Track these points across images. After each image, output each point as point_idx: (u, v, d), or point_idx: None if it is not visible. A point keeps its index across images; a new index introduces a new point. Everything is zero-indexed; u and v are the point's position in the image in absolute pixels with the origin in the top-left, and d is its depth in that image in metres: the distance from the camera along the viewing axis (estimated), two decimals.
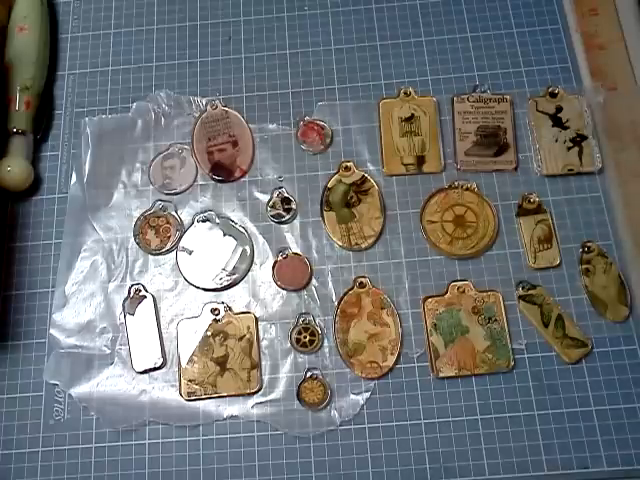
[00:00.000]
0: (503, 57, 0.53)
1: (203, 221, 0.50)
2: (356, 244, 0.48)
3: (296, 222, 0.49)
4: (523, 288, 0.46)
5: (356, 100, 0.53)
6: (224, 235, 0.49)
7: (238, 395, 0.45)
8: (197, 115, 0.53)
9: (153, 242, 0.49)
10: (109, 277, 0.49)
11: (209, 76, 0.54)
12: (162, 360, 0.46)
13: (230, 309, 0.47)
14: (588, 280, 0.46)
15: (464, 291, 0.47)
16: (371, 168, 0.50)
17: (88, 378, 0.46)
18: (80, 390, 0.46)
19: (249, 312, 0.47)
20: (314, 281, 0.48)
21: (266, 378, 0.45)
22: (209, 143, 0.52)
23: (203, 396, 0.45)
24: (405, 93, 0.52)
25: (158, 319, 0.47)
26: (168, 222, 0.50)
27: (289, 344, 0.46)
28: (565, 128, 0.50)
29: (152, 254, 0.49)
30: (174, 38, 0.56)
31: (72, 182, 0.51)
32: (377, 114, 0.52)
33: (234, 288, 0.48)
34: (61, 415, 0.46)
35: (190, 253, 0.49)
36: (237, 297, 0.48)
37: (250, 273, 0.48)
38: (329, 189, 0.50)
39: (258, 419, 0.45)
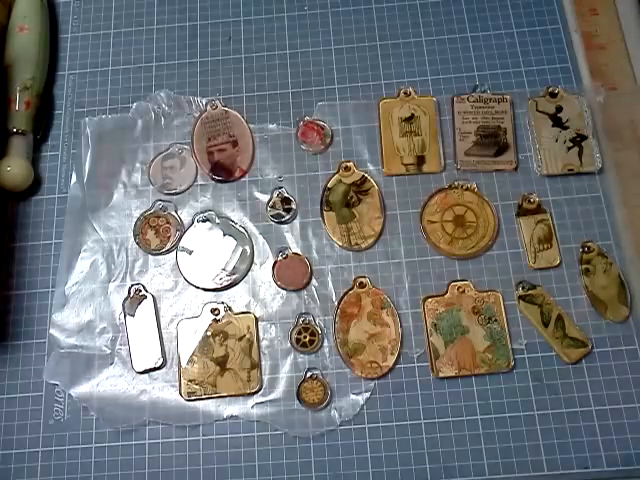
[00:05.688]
0: (503, 57, 0.53)
1: (203, 221, 0.50)
2: (356, 244, 0.48)
3: (296, 222, 0.49)
4: (523, 288, 0.46)
5: (356, 100, 0.53)
6: (224, 235, 0.49)
7: (238, 395, 0.45)
8: (197, 115, 0.53)
9: (153, 242, 0.49)
10: (109, 277, 0.49)
11: (209, 76, 0.54)
12: (162, 360, 0.46)
13: (230, 309, 0.47)
14: (588, 280, 0.46)
15: (464, 291, 0.47)
16: (371, 168, 0.50)
17: (88, 378, 0.46)
18: (80, 390, 0.46)
19: (249, 312, 0.47)
20: (314, 281, 0.48)
21: (266, 378, 0.45)
22: (209, 143, 0.52)
23: (203, 396, 0.45)
24: (405, 93, 0.52)
25: (158, 319, 0.47)
26: (168, 222, 0.50)
27: (289, 344, 0.46)
28: (565, 128, 0.50)
29: (152, 254, 0.49)
30: (174, 38, 0.56)
31: (72, 182, 0.51)
32: (377, 114, 0.52)
33: (234, 288, 0.48)
34: (61, 415, 0.46)
35: (190, 253, 0.49)
36: (237, 297, 0.48)
37: (250, 273, 0.48)
38: (329, 189, 0.50)
39: (258, 419, 0.45)
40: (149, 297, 0.48)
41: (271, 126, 0.52)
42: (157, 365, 0.46)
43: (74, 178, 0.51)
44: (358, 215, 0.49)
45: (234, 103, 0.53)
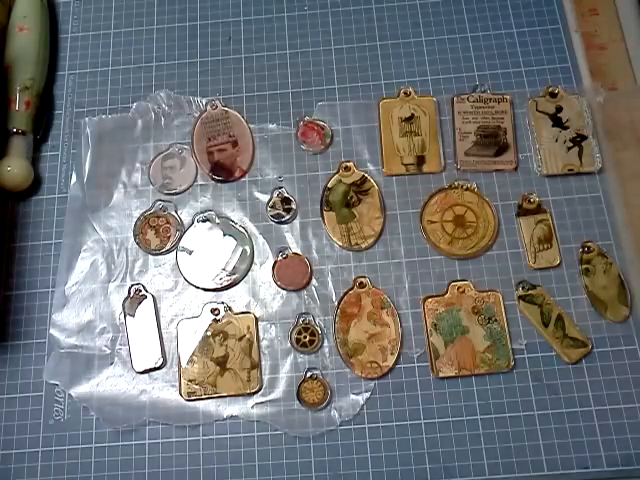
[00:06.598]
0: (503, 57, 0.53)
1: (203, 221, 0.50)
2: (356, 244, 0.48)
3: (296, 222, 0.49)
4: (523, 288, 0.46)
5: (356, 100, 0.53)
6: (224, 235, 0.49)
7: (238, 395, 0.45)
8: (197, 115, 0.53)
9: (153, 242, 0.49)
10: (109, 277, 0.49)
11: (209, 76, 0.54)
12: (162, 360, 0.46)
13: (230, 309, 0.47)
14: (588, 280, 0.46)
15: (464, 291, 0.47)
16: (371, 168, 0.50)
17: (88, 378, 0.46)
18: (80, 390, 0.46)
19: (249, 312, 0.47)
20: (314, 281, 0.48)
21: (266, 378, 0.45)
22: (209, 143, 0.52)
23: (203, 396, 0.45)
24: (405, 93, 0.52)
25: (158, 319, 0.47)
26: (168, 222, 0.50)
27: (289, 344, 0.46)
28: (565, 128, 0.50)
29: (152, 254, 0.49)
30: (174, 38, 0.56)
31: (72, 182, 0.51)
32: (377, 114, 0.52)
33: (234, 288, 0.48)
34: (61, 415, 0.46)
35: (190, 253, 0.49)
36: (237, 297, 0.48)
37: (250, 273, 0.48)
38: (329, 189, 0.50)
39: (258, 419, 0.45)
40: (149, 297, 0.48)
41: (271, 126, 0.52)
42: (157, 365, 0.46)
43: (74, 178, 0.51)
44: (358, 215, 0.49)
45: (234, 103, 0.53)
